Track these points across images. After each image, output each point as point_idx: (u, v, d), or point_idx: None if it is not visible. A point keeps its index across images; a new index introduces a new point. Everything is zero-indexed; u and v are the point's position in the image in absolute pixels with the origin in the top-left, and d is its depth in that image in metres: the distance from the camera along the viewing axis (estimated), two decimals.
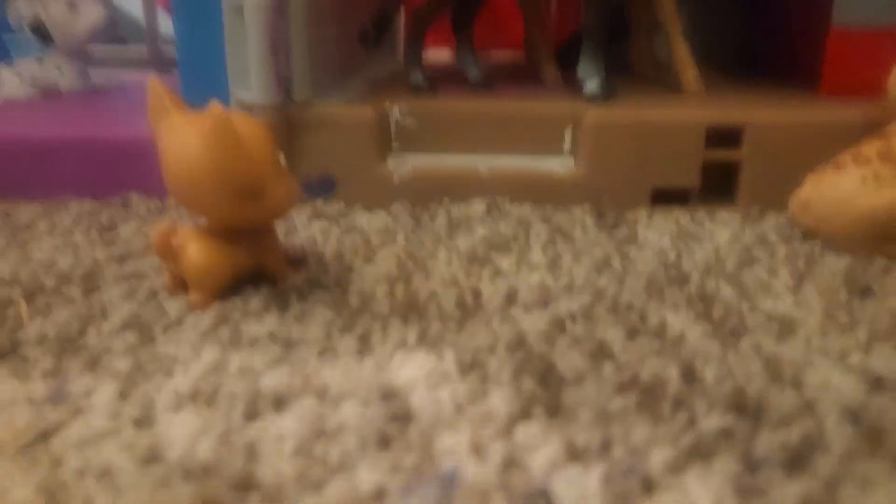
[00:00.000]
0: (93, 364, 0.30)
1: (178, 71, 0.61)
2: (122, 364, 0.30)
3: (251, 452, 0.25)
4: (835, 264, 0.39)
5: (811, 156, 0.44)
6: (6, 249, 0.43)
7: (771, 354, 0.30)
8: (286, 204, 0.35)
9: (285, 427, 0.26)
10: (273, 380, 0.29)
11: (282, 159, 0.36)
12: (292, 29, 0.48)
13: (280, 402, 0.28)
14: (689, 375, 0.29)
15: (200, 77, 0.56)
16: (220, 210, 0.34)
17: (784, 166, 0.47)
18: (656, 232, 0.45)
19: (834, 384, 0.28)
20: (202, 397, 0.28)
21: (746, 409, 0.26)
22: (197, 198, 0.34)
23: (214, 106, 0.33)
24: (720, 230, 0.45)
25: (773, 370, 0.29)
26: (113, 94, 0.68)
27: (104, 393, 0.28)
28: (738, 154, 0.49)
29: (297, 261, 0.40)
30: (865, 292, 0.36)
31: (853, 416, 0.26)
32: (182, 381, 0.29)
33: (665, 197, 0.50)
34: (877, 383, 0.28)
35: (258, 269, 0.37)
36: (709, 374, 0.29)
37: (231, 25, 0.48)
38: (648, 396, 0.27)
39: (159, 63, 0.82)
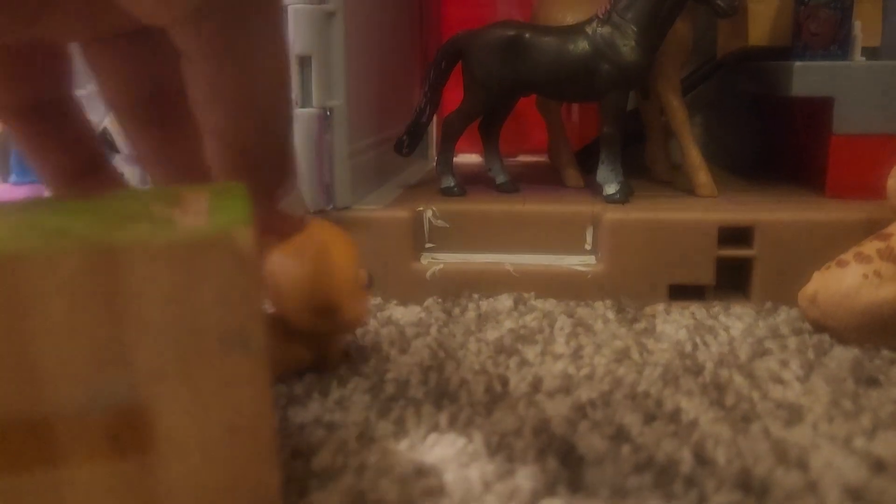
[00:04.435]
0: None
1: None
2: None
3: None
4: (842, 356, 0.41)
5: (818, 253, 0.47)
6: None
7: (779, 438, 0.32)
8: (358, 321, 0.39)
9: (330, 502, 0.29)
10: (318, 460, 0.32)
11: (364, 275, 0.39)
12: (335, 140, 0.53)
13: (324, 480, 0.30)
14: (701, 457, 0.31)
15: None
16: (297, 321, 0.38)
17: (794, 263, 0.50)
18: (673, 325, 0.47)
19: (837, 466, 0.30)
20: None
21: (753, 488, 0.29)
22: (279, 307, 0.38)
23: (315, 223, 0.37)
24: (734, 324, 0.47)
25: (780, 453, 0.31)
26: None
27: None
28: (750, 252, 0.52)
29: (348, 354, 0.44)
30: (871, 382, 0.38)
31: (855, 495, 0.28)
32: None
33: (682, 292, 0.52)
34: (879, 466, 0.30)
35: (318, 363, 0.40)
36: (719, 455, 0.31)
37: None
38: (663, 476, 0.30)
39: None
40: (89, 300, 0.23)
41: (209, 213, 0.26)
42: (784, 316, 0.48)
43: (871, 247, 0.44)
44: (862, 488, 0.29)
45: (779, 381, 0.39)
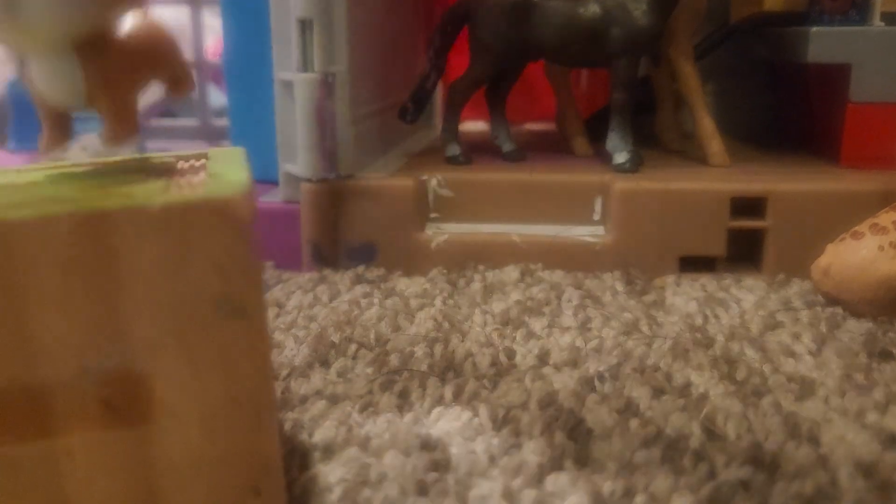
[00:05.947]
0: None
1: (228, 143, 0.65)
2: None
3: (302, 501, 0.27)
4: (855, 328, 0.41)
5: (833, 224, 0.46)
6: None
7: (790, 412, 0.32)
8: None
9: (332, 476, 0.28)
10: (320, 433, 0.31)
11: None
12: (337, 106, 0.52)
13: (327, 453, 0.30)
14: (711, 431, 0.30)
15: (251, 149, 0.60)
16: None
17: (807, 234, 0.49)
18: (683, 297, 0.47)
19: (849, 440, 0.29)
20: None
21: (764, 463, 0.28)
22: None
23: None
24: (745, 296, 0.47)
25: (791, 427, 0.30)
26: None
27: None
28: (763, 223, 0.51)
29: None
30: (885, 356, 0.38)
31: (866, 470, 0.28)
32: None
33: (692, 264, 0.52)
34: (891, 440, 0.30)
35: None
36: (730, 429, 0.30)
37: (281, 101, 0.52)
38: (671, 450, 0.29)
39: (209, 135, 0.87)
40: (83, 267, 0.22)
41: (206, 178, 0.25)
42: (796, 288, 0.48)
43: (886, 218, 0.43)
44: (874, 463, 0.28)
45: (790, 354, 0.38)
